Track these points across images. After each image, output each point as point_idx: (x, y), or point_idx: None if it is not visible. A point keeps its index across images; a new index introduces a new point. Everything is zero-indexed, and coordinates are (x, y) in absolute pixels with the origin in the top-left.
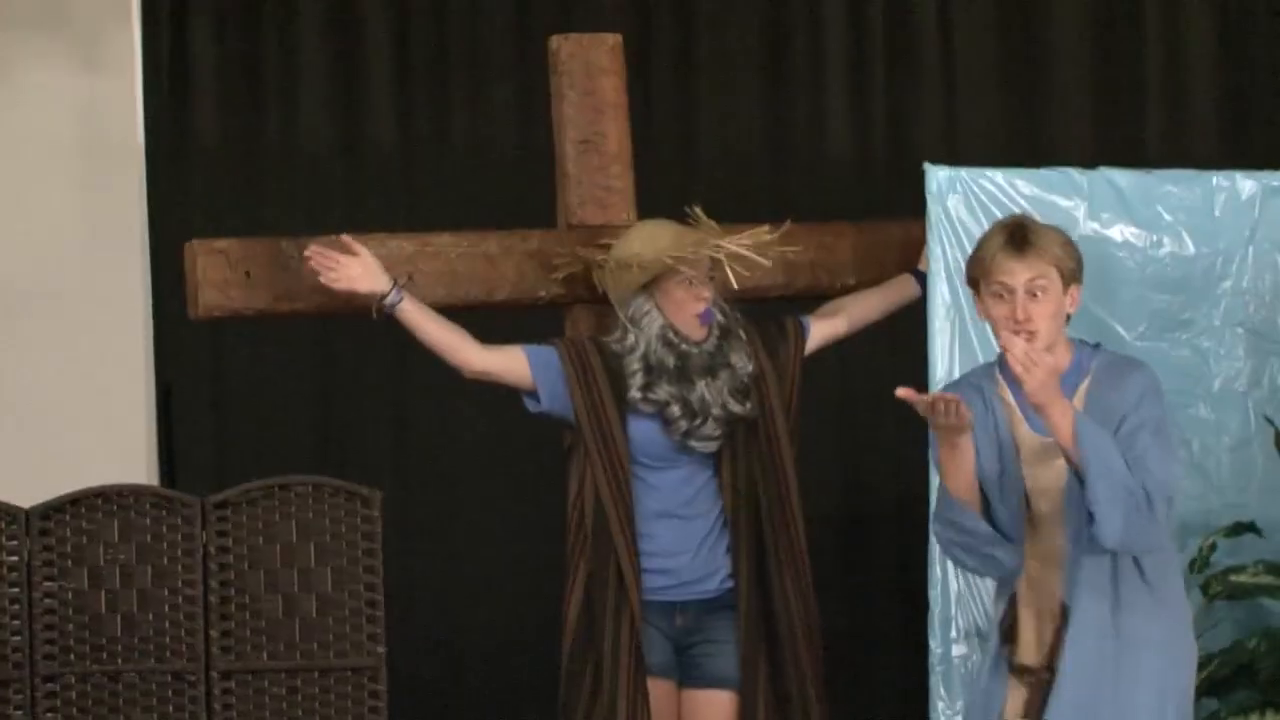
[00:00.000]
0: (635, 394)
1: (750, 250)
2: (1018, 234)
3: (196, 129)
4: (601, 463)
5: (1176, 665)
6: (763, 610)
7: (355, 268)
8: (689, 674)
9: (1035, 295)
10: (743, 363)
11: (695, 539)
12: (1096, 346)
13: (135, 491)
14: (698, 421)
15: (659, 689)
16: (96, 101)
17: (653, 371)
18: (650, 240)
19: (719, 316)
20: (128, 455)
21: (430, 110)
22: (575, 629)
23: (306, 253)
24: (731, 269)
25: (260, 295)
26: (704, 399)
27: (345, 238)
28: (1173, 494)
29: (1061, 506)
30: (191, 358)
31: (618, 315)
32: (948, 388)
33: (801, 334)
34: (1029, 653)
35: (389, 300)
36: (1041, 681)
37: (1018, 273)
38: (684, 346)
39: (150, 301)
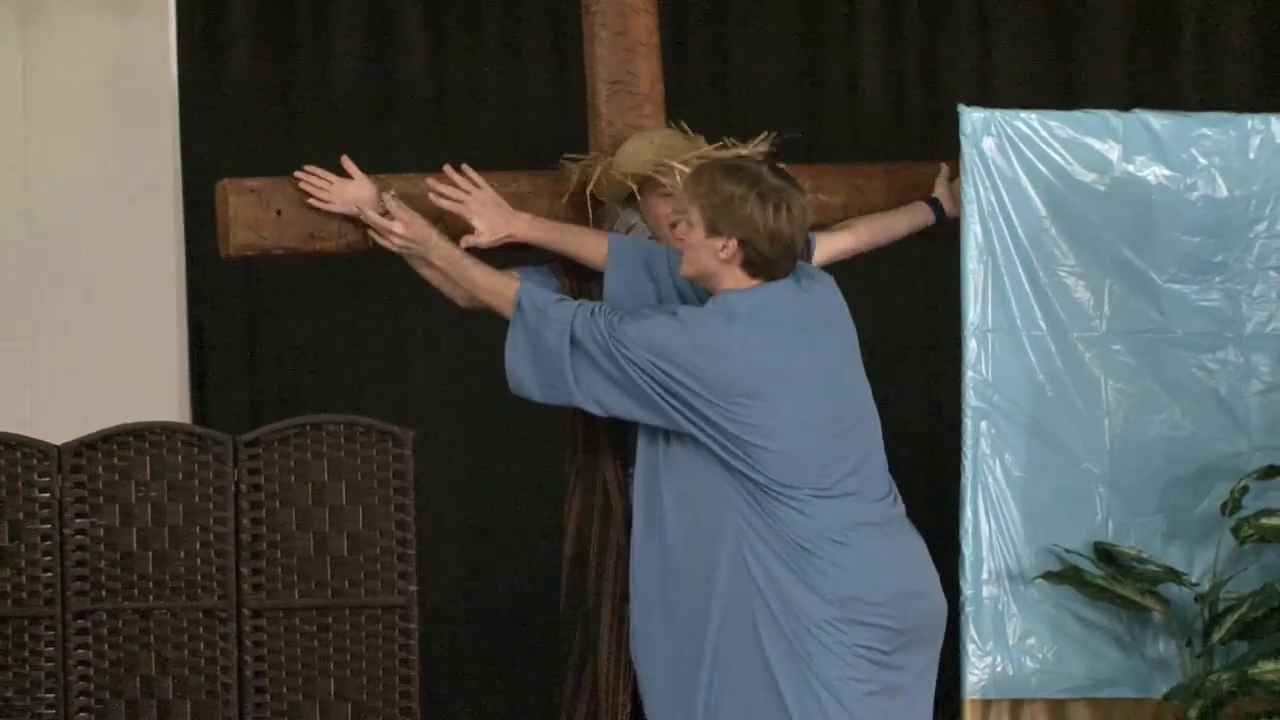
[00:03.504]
0: None
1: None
2: (696, 168)
3: (229, 70)
4: None
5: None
6: None
7: (350, 189)
8: None
9: (688, 226)
10: None
11: None
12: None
13: (167, 429)
14: None
15: None
16: (130, 42)
17: None
18: (636, 151)
19: None
20: (160, 393)
21: (462, 50)
22: (571, 549)
23: (297, 174)
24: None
25: (292, 234)
26: None
27: (345, 159)
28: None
29: None
30: (223, 296)
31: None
32: None
33: (808, 249)
34: None
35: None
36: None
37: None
38: None
39: (183, 240)
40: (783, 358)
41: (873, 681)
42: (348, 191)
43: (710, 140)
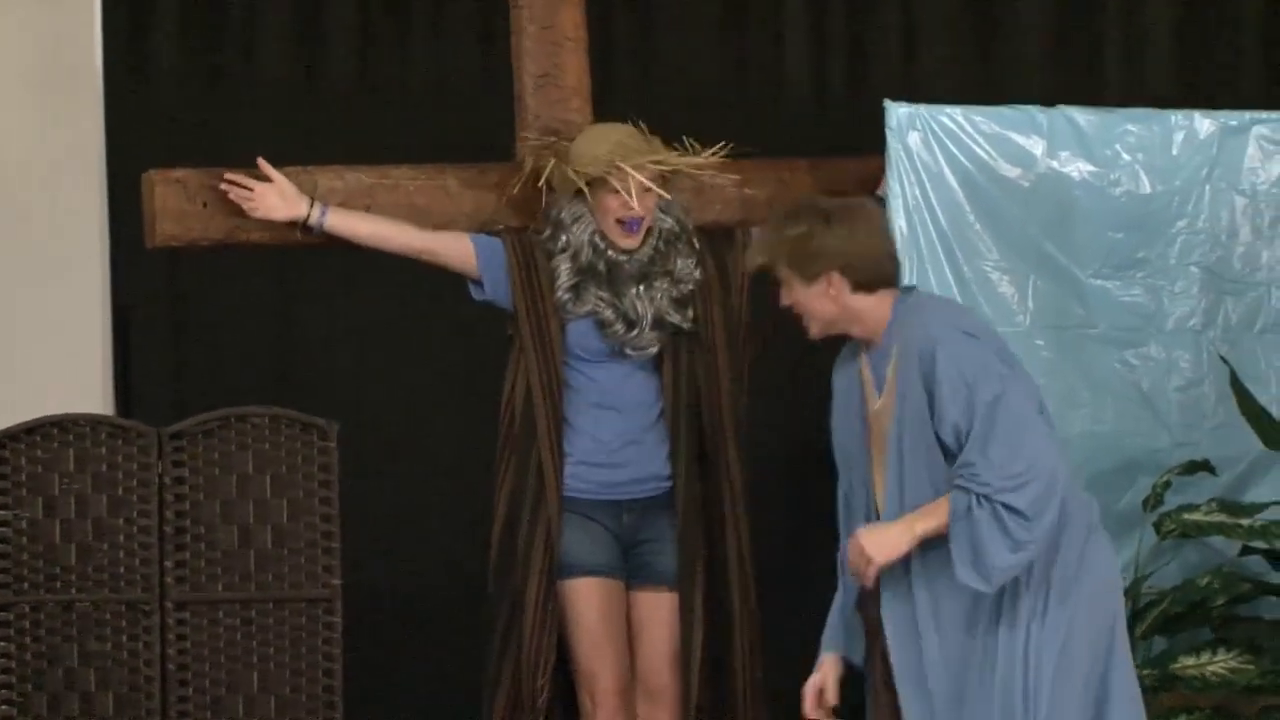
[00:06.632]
0: (563, 295)
1: (685, 167)
2: (759, 237)
3: (156, 58)
4: (536, 359)
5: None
6: (701, 510)
7: (272, 196)
8: (635, 574)
9: (787, 289)
10: (688, 271)
11: (636, 431)
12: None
13: (91, 421)
14: (634, 332)
15: (607, 589)
16: (56, 30)
17: (583, 274)
18: (591, 147)
19: (668, 224)
20: (84, 385)
21: (390, 42)
22: (501, 529)
23: (222, 186)
24: (662, 187)
25: (217, 225)
26: (636, 307)
27: (261, 161)
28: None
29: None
30: (149, 288)
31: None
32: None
33: (750, 242)
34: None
35: (314, 220)
36: (872, 622)
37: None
38: (611, 254)
39: (108, 231)
40: None
41: None
42: (269, 199)
43: (665, 143)
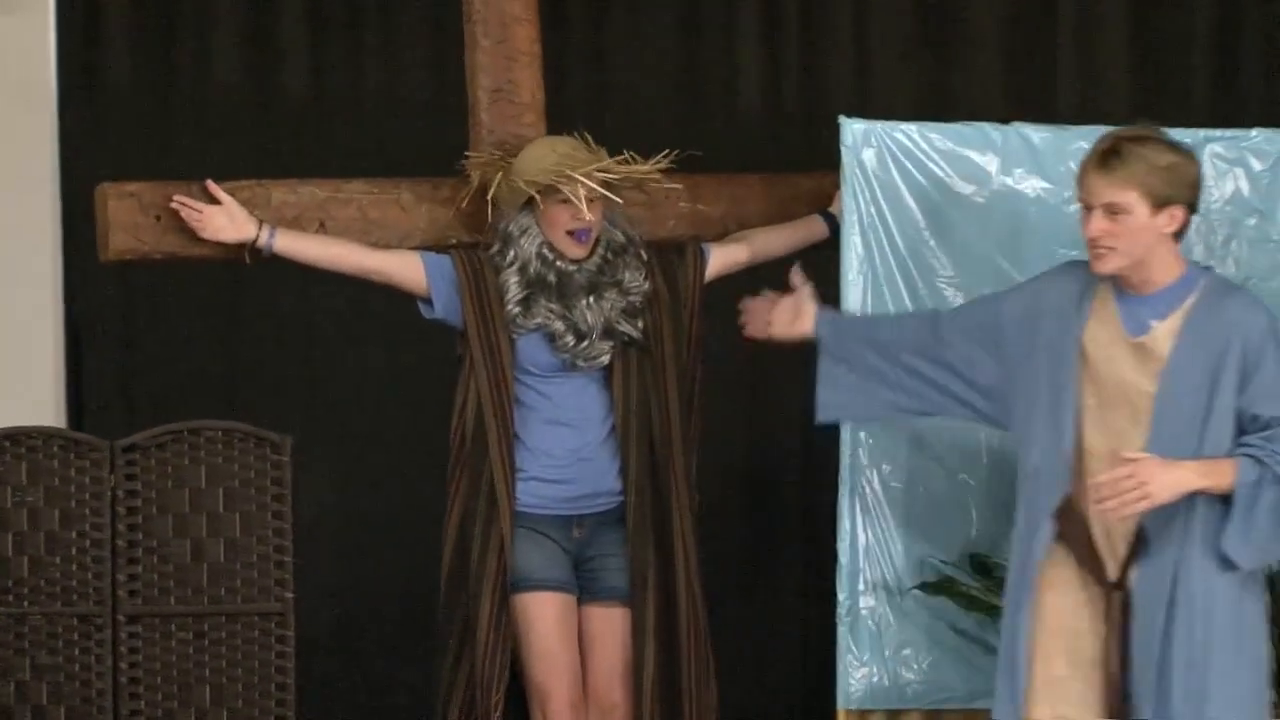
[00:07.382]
0: (513, 309)
1: (628, 176)
2: (1108, 152)
3: (109, 71)
4: (486, 375)
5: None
6: (652, 524)
7: (220, 218)
8: (586, 589)
9: (1114, 216)
10: (637, 282)
11: (588, 446)
12: (1207, 269)
13: (44, 434)
14: (584, 343)
15: (560, 604)
16: (9, 41)
17: (532, 287)
18: (538, 159)
19: (616, 236)
20: (37, 398)
21: (344, 56)
22: (453, 546)
23: (172, 205)
24: (610, 194)
25: (170, 239)
26: (586, 317)
27: (209, 183)
28: None
29: (1146, 418)
30: (102, 301)
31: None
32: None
33: (701, 259)
34: (1110, 566)
35: (262, 242)
36: (1115, 598)
37: (1096, 192)
38: (560, 264)
39: (60, 244)
40: None
41: None
42: (217, 220)
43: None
